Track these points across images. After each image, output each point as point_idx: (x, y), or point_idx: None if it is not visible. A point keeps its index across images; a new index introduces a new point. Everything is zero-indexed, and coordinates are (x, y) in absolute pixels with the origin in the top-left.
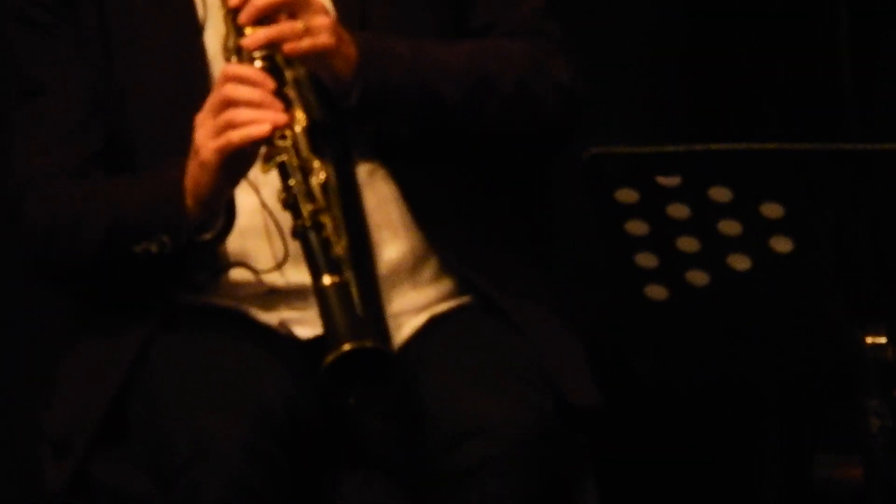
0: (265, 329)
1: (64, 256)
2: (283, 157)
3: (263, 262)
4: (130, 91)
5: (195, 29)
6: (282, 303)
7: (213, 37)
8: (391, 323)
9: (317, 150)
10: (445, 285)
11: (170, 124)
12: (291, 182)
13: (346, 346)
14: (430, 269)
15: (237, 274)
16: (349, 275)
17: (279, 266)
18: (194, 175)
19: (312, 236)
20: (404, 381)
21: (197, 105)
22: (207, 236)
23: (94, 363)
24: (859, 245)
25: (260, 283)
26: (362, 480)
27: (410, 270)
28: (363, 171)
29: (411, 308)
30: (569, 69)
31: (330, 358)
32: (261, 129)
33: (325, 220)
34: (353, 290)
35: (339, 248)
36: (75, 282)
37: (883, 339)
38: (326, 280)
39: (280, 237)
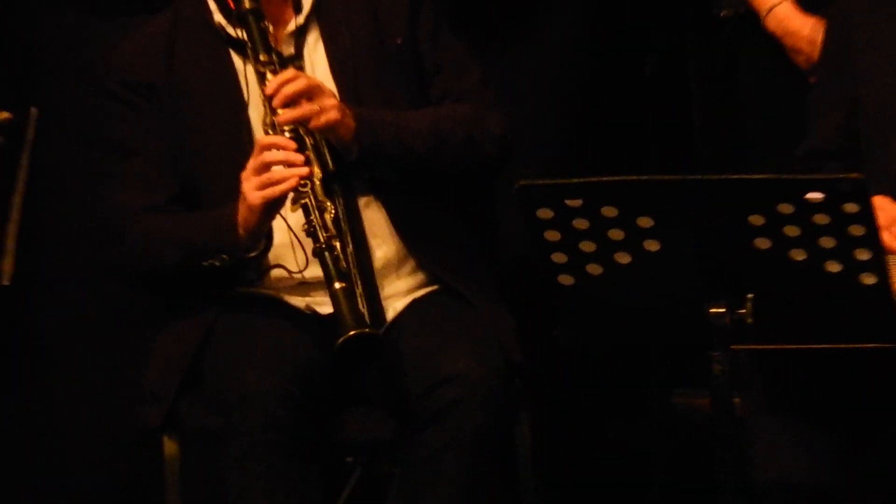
0: (295, 310)
1: (153, 269)
2: (305, 200)
3: (292, 265)
4: (195, 151)
5: (241, 107)
6: (307, 291)
7: (255, 112)
8: (384, 304)
9: (328, 193)
10: (420, 277)
11: (224, 175)
12: (311, 217)
13: (351, 332)
14: (409, 266)
15: (276, 272)
16: (353, 280)
17: (302, 271)
18: (243, 215)
19: (326, 255)
20: (394, 345)
21: (243, 161)
22: (253, 254)
23: (178, 337)
24: (707, 246)
25: (292, 278)
26: (363, 414)
27: (396, 266)
28: (362, 201)
29: (397, 293)
30: (502, 123)
31: (340, 341)
32: (289, 185)
33: (335, 243)
34: (357, 291)
35: (344, 263)
36: (160, 286)
37: (722, 309)
38: (337, 285)
39: (302, 250)
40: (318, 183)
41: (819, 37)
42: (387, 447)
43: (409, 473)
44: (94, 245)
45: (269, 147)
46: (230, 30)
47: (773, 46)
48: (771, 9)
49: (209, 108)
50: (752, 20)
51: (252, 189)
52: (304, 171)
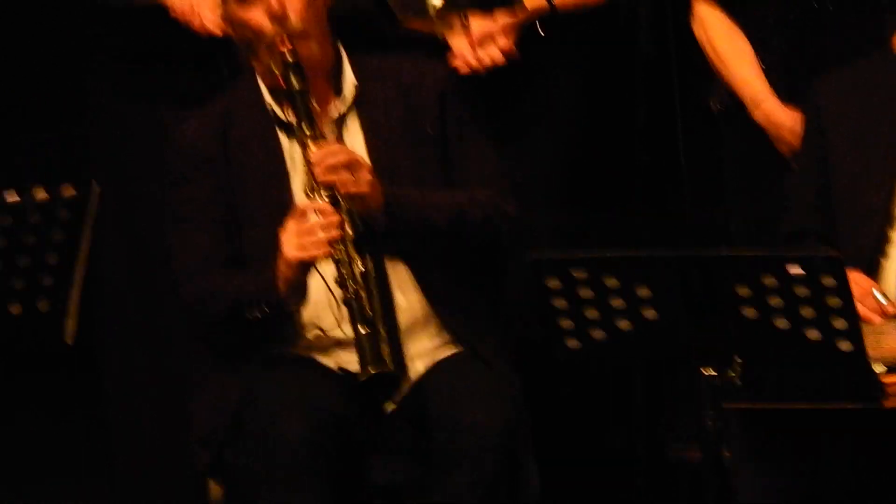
0: (326, 369)
1: (208, 318)
2: (338, 256)
3: (328, 322)
4: (246, 222)
5: (286, 177)
6: (339, 352)
7: (297, 182)
8: (411, 363)
9: (358, 251)
10: (444, 337)
11: (268, 239)
12: (342, 270)
13: (372, 371)
14: (433, 326)
15: (312, 333)
16: (377, 326)
17: (335, 329)
18: (283, 271)
19: (354, 304)
20: (420, 400)
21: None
22: (291, 307)
23: (223, 390)
24: (699, 315)
25: (326, 337)
26: (388, 461)
27: (421, 325)
28: (389, 264)
29: (423, 351)
30: (514, 205)
31: (363, 377)
32: (324, 250)
33: (362, 293)
34: (381, 334)
35: (369, 311)
36: (215, 336)
37: (714, 372)
38: (362, 330)
39: (336, 306)
40: (349, 242)
41: (799, 128)
42: (409, 491)
43: None
44: (149, 307)
45: (308, 211)
46: (279, 111)
47: (758, 135)
48: (757, 102)
49: (257, 180)
50: (740, 112)
51: (290, 247)
52: (338, 234)
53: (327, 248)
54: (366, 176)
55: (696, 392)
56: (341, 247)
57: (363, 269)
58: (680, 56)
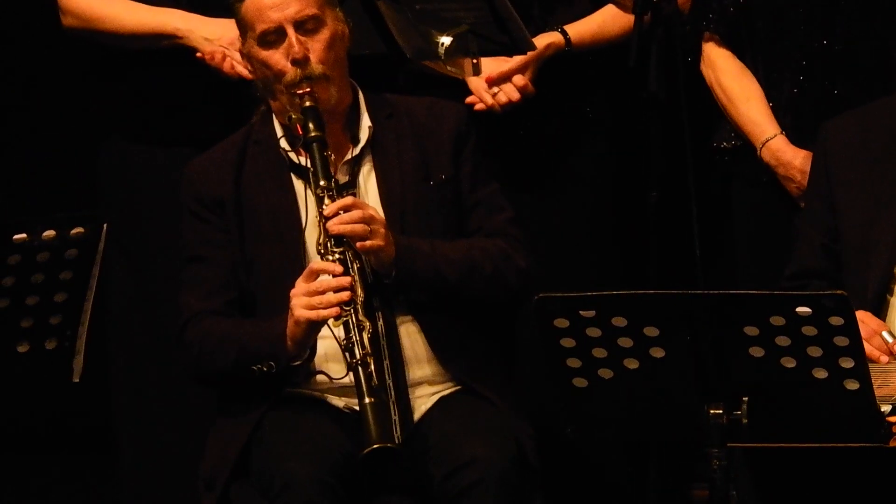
0: (335, 409)
1: (208, 369)
2: (347, 318)
3: (335, 371)
4: (254, 263)
5: (298, 227)
6: (347, 393)
7: (310, 233)
8: (415, 402)
9: (368, 312)
10: (445, 375)
11: (278, 287)
12: (351, 335)
13: (376, 446)
14: (435, 365)
15: (320, 377)
16: (387, 394)
17: (342, 378)
18: (291, 328)
19: (360, 371)
20: (422, 435)
21: (296, 276)
22: (298, 363)
23: (230, 431)
24: (707, 354)
25: (332, 383)
26: (394, 500)
27: (430, 378)
28: (399, 319)
29: (426, 394)
30: (526, 258)
31: (366, 451)
32: (333, 312)
33: (370, 360)
34: (390, 402)
35: (376, 381)
36: (216, 383)
37: (720, 410)
38: (367, 400)
39: (344, 360)
40: (359, 304)
41: (807, 167)
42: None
43: None
44: (156, 346)
45: (319, 272)
46: (293, 156)
47: (765, 175)
48: (766, 142)
49: (270, 225)
50: (748, 151)
51: (300, 307)
52: (347, 296)
53: (337, 311)
54: (380, 230)
55: (704, 431)
56: (350, 309)
57: (372, 333)
58: (689, 97)
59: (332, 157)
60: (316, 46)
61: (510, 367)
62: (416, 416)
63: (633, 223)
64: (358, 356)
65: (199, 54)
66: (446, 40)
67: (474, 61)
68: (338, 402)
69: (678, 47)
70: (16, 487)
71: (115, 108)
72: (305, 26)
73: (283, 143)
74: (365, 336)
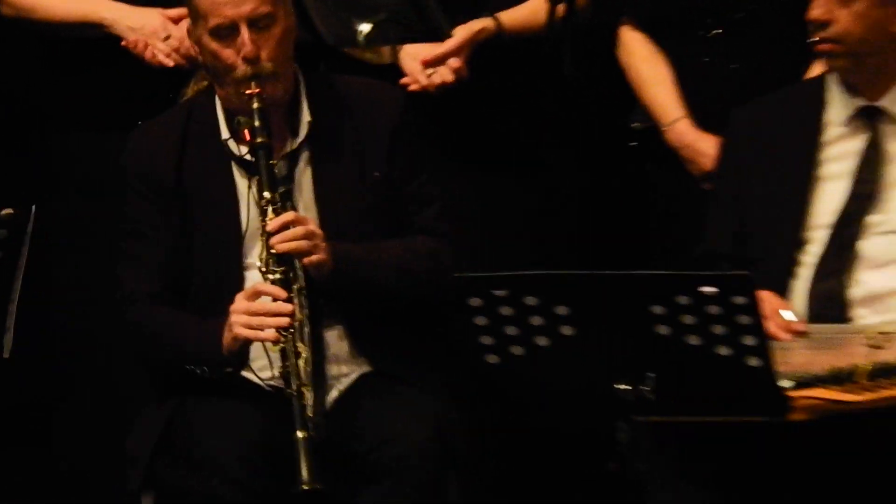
0: (256, 386)
1: (145, 356)
2: (285, 345)
3: (260, 364)
4: (192, 250)
5: (238, 226)
6: (268, 369)
7: (250, 236)
8: (333, 383)
9: (304, 341)
10: (369, 367)
11: (213, 281)
12: (287, 363)
13: (308, 486)
14: (361, 359)
15: (246, 372)
16: (313, 432)
17: (270, 380)
18: (227, 339)
19: (295, 402)
20: (345, 413)
21: (230, 270)
22: (230, 370)
23: (155, 411)
24: (613, 331)
25: (260, 379)
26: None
27: (347, 360)
28: (329, 325)
29: (347, 373)
30: (452, 256)
31: (297, 489)
32: (271, 335)
33: (305, 391)
34: (307, 402)
35: (311, 411)
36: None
37: (628, 386)
38: (300, 434)
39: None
40: (297, 327)
41: (709, 150)
42: (337, 500)
43: None
44: (90, 323)
45: (262, 294)
46: (234, 147)
47: (674, 156)
48: (670, 124)
49: (210, 217)
50: (657, 133)
51: (239, 325)
52: (286, 322)
53: (276, 335)
54: (321, 244)
55: (612, 406)
56: (289, 335)
57: (306, 360)
58: (609, 81)
59: (277, 164)
60: (267, 43)
61: (430, 351)
62: (335, 394)
63: (561, 204)
64: (294, 388)
65: (123, 42)
66: (365, 27)
67: (393, 48)
68: (258, 380)
69: (595, 34)
70: None
71: (62, 98)
72: (259, 24)
73: (225, 134)
74: (301, 364)
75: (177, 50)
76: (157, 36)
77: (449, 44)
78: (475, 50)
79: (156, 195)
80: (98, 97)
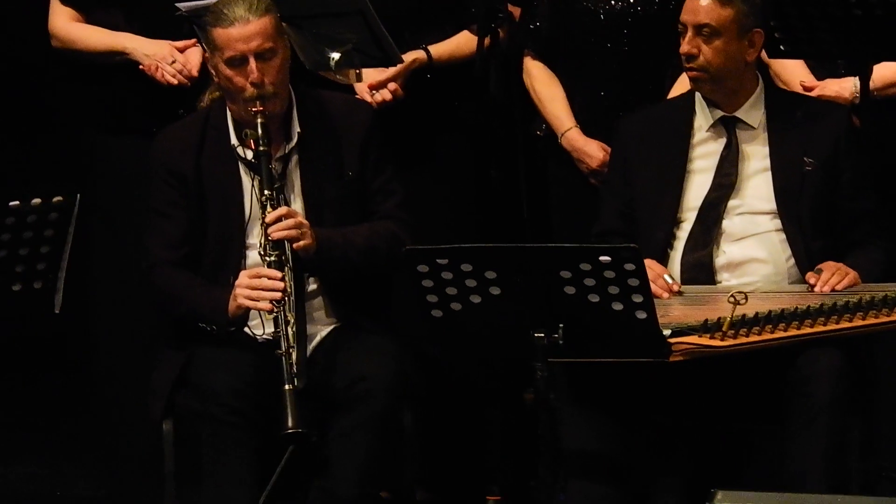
0: (253, 338)
1: (164, 311)
2: (277, 314)
3: (257, 325)
4: (204, 232)
5: (241, 214)
6: (263, 325)
7: (252, 224)
8: (313, 330)
9: (294, 311)
10: (334, 316)
11: (221, 255)
12: (279, 329)
13: (292, 430)
14: (334, 314)
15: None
16: (298, 384)
17: (270, 337)
18: (232, 307)
19: (284, 361)
20: (324, 357)
21: (237, 250)
22: (233, 329)
23: (172, 355)
24: (532, 291)
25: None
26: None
27: (324, 318)
28: (312, 282)
29: (323, 324)
30: (410, 238)
31: (283, 433)
32: (267, 305)
33: (293, 351)
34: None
35: (297, 368)
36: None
37: (542, 334)
38: (287, 387)
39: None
40: (289, 302)
41: (594, 153)
42: (314, 428)
43: (331, 446)
44: (128, 282)
45: (262, 275)
46: (240, 151)
47: (569, 157)
48: (564, 133)
49: (220, 205)
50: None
51: (242, 296)
52: (279, 297)
53: (270, 306)
54: (308, 232)
55: (530, 350)
56: (281, 307)
57: (294, 327)
58: (520, 97)
59: (276, 167)
60: (270, 71)
61: (388, 307)
62: (312, 346)
63: (483, 195)
64: (283, 349)
65: (141, 66)
66: (336, 55)
67: (357, 71)
68: (258, 335)
69: (511, 61)
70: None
71: (97, 107)
72: (264, 56)
73: (234, 140)
74: (290, 330)
75: (181, 72)
76: (166, 61)
77: (389, 71)
78: (410, 75)
79: (178, 183)
80: (125, 109)
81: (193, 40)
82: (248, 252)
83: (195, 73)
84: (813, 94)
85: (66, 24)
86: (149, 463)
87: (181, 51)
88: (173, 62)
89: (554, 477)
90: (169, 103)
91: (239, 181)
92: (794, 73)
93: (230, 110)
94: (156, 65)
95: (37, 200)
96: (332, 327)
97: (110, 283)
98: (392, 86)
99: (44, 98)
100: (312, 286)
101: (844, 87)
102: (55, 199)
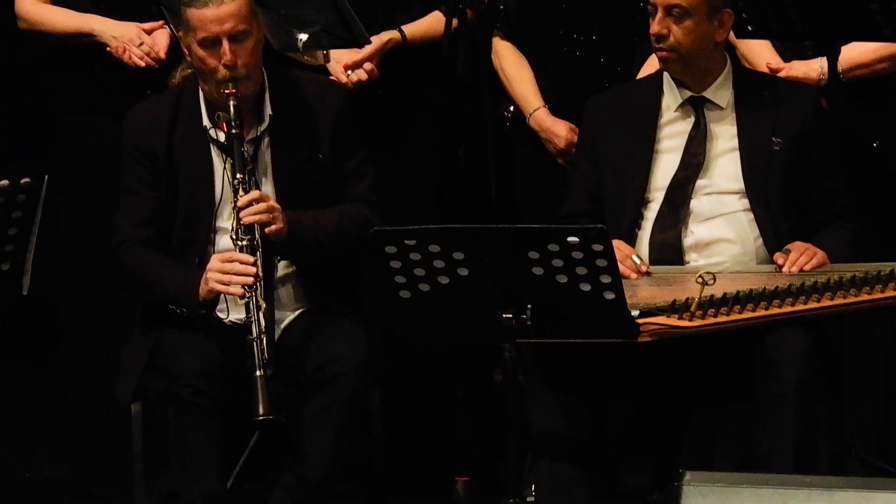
0: (221, 321)
1: (133, 291)
2: (248, 298)
3: (222, 309)
4: (173, 211)
5: (212, 196)
6: (231, 309)
7: (224, 207)
8: (280, 314)
9: (265, 297)
10: (304, 298)
11: (190, 236)
12: (250, 315)
13: (263, 417)
14: (304, 297)
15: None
16: (269, 371)
17: (241, 323)
18: (203, 290)
19: (255, 347)
20: (294, 339)
21: (205, 232)
22: (202, 312)
23: (140, 338)
24: (500, 272)
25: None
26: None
27: (294, 301)
28: (282, 265)
29: (292, 309)
30: (379, 219)
31: (254, 420)
32: (238, 290)
33: (264, 337)
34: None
35: (267, 355)
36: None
37: (510, 315)
38: (258, 373)
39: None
40: (258, 285)
41: (562, 133)
42: (285, 409)
43: (301, 427)
44: (97, 264)
45: (234, 259)
46: (212, 132)
47: (537, 138)
48: (532, 113)
49: (190, 186)
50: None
51: (214, 280)
52: (251, 281)
53: (242, 291)
54: (279, 216)
55: (498, 331)
56: (253, 293)
57: (265, 312)
58: (488, 78)
59: (248, 150)
60: (243, 53)
61: (357, 290)
62: (283, 326)
63: (451, 176)
64: (254, 334)
65: (108, 48)
66: (304, 36)
67: (324, 52)
68: (224, 318)
69: (479, 42)
70: None
71: (65, 89)
72: (237, 38)
73: (206, 121)
74: (261, 315)
75: (148, 54)
76: (133, 43)
77: (364, 51)
78: (385, 55)
79: (149, 162)
80: (93, 91)
81: (161, 22)
82: (217, 234)
83: (163, 55)
84: (780, 75)
85: (33, 6)
86: (118, 445)
87: (148, 33)
88: (141, 44)
89: (522, 458)
90: (137, 85)
91: (210, 163)
92: (760, 54)
93: (202, 90)
94: (123, 47)
95: (4, 182)
96: (299, 311)
97: (79, 266)
98: (368, 66)
99: (10, 80)
100: (282, 270)
101: (812, 68)
102: (23, 180)
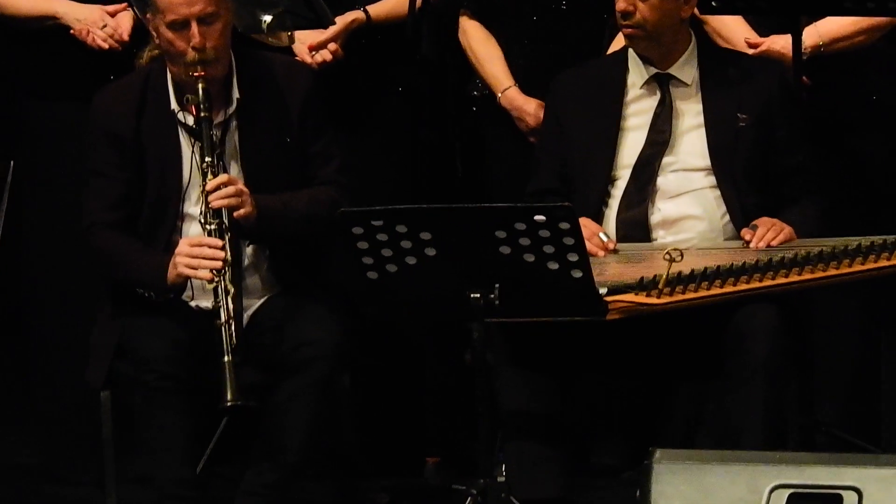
0: (188, 305)
1: (103, 273)
2: (217, 283)
3: (191, 295)
4: (141, 193)
5: (179, 180)
6: (197, 297)
7: (192, 191)
8: (250, 300)
9: (233, 281)
10: (274, 280)
11: (158, 220)
12: (219, 300)
13: (231, 402)
14: (274, 280)
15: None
16: (237, 357)
17: (210, 307)
18: (172, 274)
19: (224, 332)
20: (268, 319)
21: (172, 214)
22: (171, 295)
23: (110, 322)
24: (467, 252)
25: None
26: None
27: (264, 285)
28: (250, 250)
29: (261, 290)
30: (348, 201)
31: (223, 405)
32: (206, 274)
33: (232, 322)
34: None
35: (235, 340)
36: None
37: (478, 294)
38: (226, 358)
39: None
40: (227, 270)
41: (533, 111)
42: (259, 392)
43: (274, 410)
44: (64, 248)
45: (203, 244)
46: (180, 116)
47: (506, 117)
48: (503, 92)
49: (158, 170)
50: (494, 98)
51: (182, 264)
52: (220, 266)
53: (210, 275)
54: (248, 200)
55: (466, 310)
56: (221, 278)
57: (234, 296)
58: (453, 58)
59: (217, 134)
60: (212, 35)
61: (327, 273)
62: (254, 309)
63: (418, 156)
64: (223, 319)
65: (72, 31)
66: (268, 18)
67: (289, 34)
68: (191, 302)
69: (443, 22)
70: None
71: (28, 72)
72: (206, 20)
73: (174, 105)
74: (230, 300)
75: (112, 36)
76: (97, 26)
77: (329, 31)
78: (349, 36)
79: (116, 144)
80: (57, 73)
81: (124, 4)
82: (184, 218)
83: (126, 37)
84: (759, 50)
85: None
86: (87, 430)
87: (112, 15)
88: (104, 27)
89: (493, 438)
90: (101, 68)
91: (178, 146)
92: (735, 30)
93: (170, 72)
94: (87, 29)
95: None
96: (268, 295)
97: (45, 250)
98: (332, 46)
99: None
100: (249, 253)
101: (791, 42)
102: None
